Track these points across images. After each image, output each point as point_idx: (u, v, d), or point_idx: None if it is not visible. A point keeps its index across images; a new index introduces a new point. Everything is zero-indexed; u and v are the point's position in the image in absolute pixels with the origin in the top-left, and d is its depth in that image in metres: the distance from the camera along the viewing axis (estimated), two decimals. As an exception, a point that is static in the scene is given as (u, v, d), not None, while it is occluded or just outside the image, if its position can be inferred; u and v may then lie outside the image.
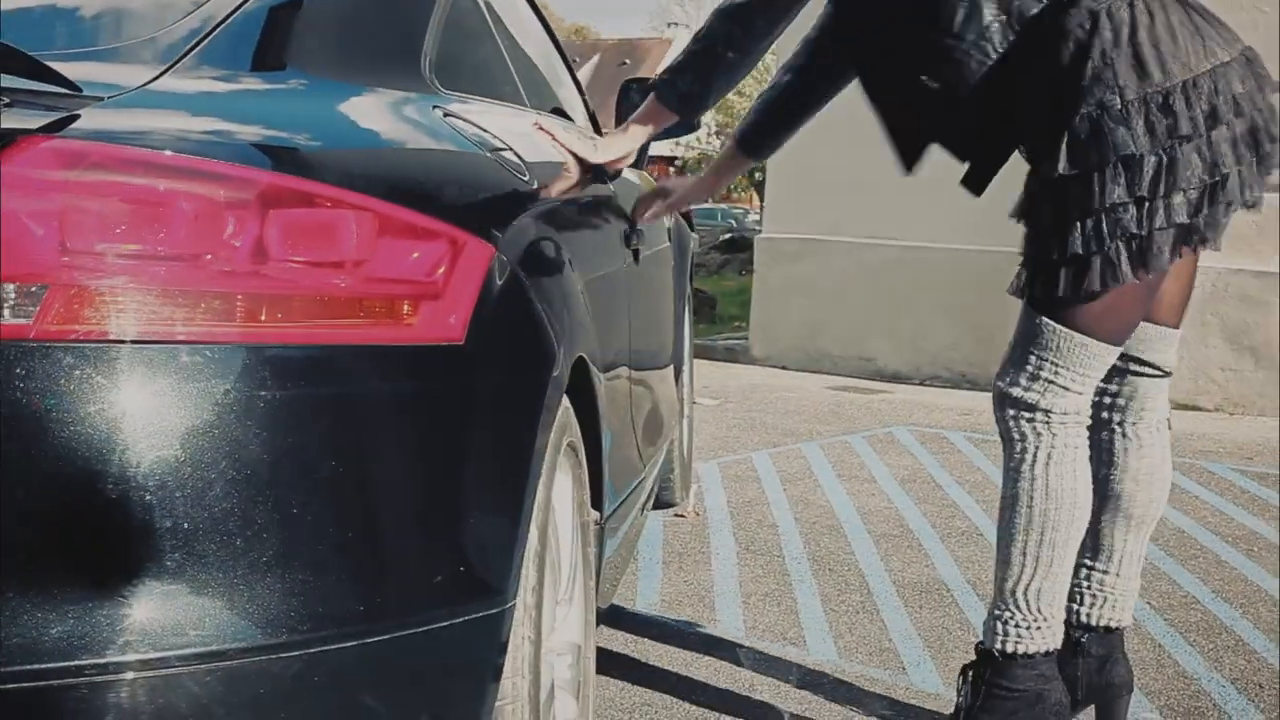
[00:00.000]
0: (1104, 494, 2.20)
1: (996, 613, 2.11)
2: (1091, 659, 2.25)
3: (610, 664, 2.72)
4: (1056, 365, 2.03)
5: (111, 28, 1.63)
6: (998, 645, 2.10)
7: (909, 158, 2.16)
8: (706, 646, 2.81)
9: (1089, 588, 2.27)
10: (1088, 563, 2.26)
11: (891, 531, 3.77)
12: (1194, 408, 5.74)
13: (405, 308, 1.46)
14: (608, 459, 2.16)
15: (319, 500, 1.39)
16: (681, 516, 3.87)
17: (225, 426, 1.36)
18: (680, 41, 53.84)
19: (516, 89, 2.40)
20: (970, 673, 2.15)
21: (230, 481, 1.36)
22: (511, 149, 1.95)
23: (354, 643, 1.39)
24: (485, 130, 1.93)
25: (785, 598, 3.16)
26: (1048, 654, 2.10)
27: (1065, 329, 2.01)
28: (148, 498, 1.33)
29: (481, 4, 2.40)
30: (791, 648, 2.83)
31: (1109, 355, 2.05)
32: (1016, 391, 2.06)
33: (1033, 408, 2.05)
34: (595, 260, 2.22)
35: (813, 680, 2.65)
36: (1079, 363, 2.02)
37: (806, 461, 4.66)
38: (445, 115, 1.83)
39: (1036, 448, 2.05)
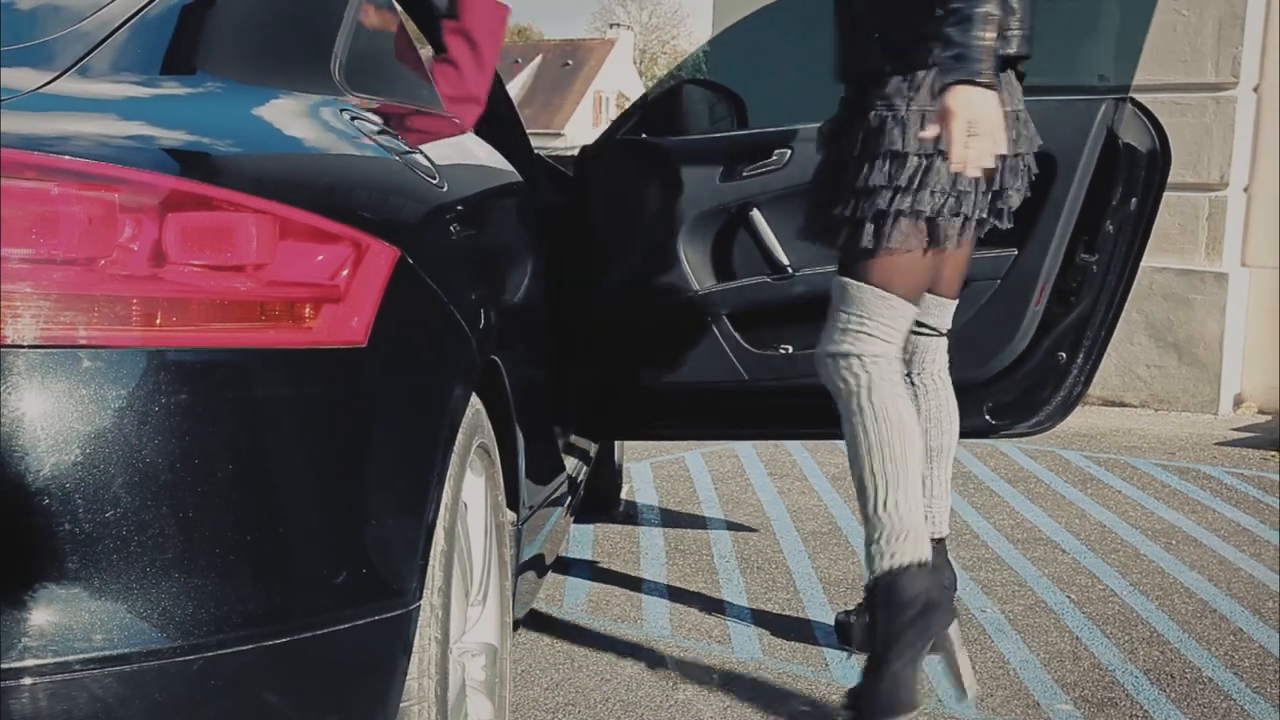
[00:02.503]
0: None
1: (870, 540, 2.34)
2: None
3: (534, 665, 2.73)
4: (863, 317, 2.36)
5: (9, 29, 1.62)
6: (880, 567, 2.32)
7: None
8: (632, 647, 2.83)
9: None
10: None
11: (820, 529, 3.81)
12: (1120, 404, 5.84)
13: (307, 311, 1.47)
14: (524, 460, 2.17)
15: (220, 503, 1.40)
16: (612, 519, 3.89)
17: (125, 431, 1.36)
18: (623, 42, 53.93)
19: (431, 91, 2.41)
20: (862, 614, 2.46)
21: (131, 485, 1.36)
22: (420, 151, 1.95)
23: (255, 645, 1.40)
24: (394, 133, 1.93)
25: (712, 597, 3.19)
26: (923, 564, 2.32)
27: (868, 285, 2.35)
28: (47, 503, 1.33)
29: (396, 6, 2.40)
30: (717, 646, 2.86)
31: (906, 310, 2.38)
32: (832, 347, 2.38)
33: (847, 355, 2.36)
34: (509, 259, 2.23)
35: (736, 679, 2.68)
36: (882, 313, 2.36)
37: (739, 461, 4.69)
38: (353, 118, 1.83)
39: (858, 386, 2.35)
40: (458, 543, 1.70)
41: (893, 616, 2.30)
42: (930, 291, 2.54)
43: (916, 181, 2.31)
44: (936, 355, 2.67)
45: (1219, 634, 2.97)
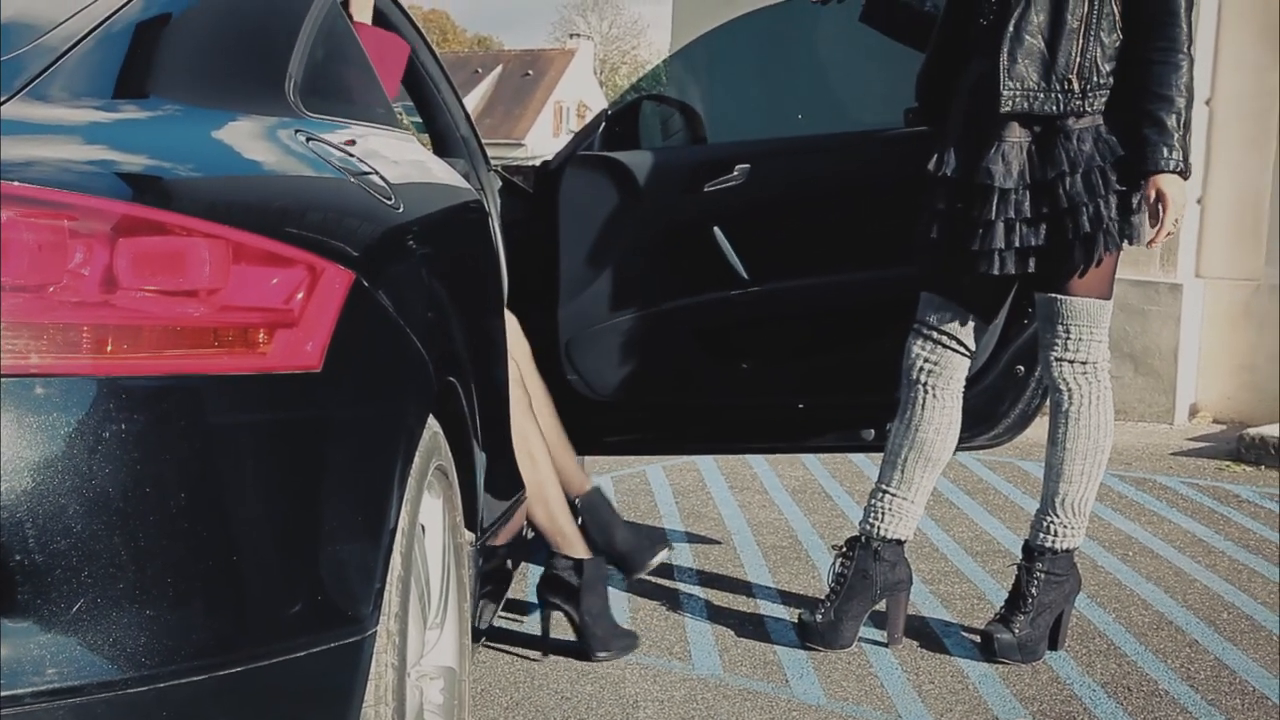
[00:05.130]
0: (912, 440, 2.89)
1: (1062, 523, 2.88)
2: (885, 563, 2.93)
3: (494, 684, 2.71)
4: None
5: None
6: (1061, 546, 2.89)
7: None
8: (591, 664, 2.82)
9: (890, 509, 2.92)
10: (891, 490, 2.93)
11: (781, 543, 3.81)
12: (1078, 415, 5.89)
13: (260, 336, 1.46)
14: (483, 479, 2.16)
15: (173, 532, 1.38)
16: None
17: (76, 459, 1.35)
18: (584, 53, 53.98)
19: (388, 109, 2.40)
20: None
21: (82, 515, 1.35)
22: (377, 172, 1.94)
23: (209, 675, 1.38)
24: (350, 154, 1.92)
25: (673, 612, 3.18)
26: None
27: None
28: (-2, 533, 1.31)
29: (352, 25, 2.39)
30: (677, 663, 2.86)
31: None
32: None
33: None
34: (466, 278, 2.22)
35: (696, 696, 2.68)
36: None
37: (700, 474, 4.69)
38: (309, 140, 1.82)
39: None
40: (415, 566, 1.69)
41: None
42: (971, 313, 2.85)
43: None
44: (957, 372, 2.89)
45: (1175, 646, 3.00)
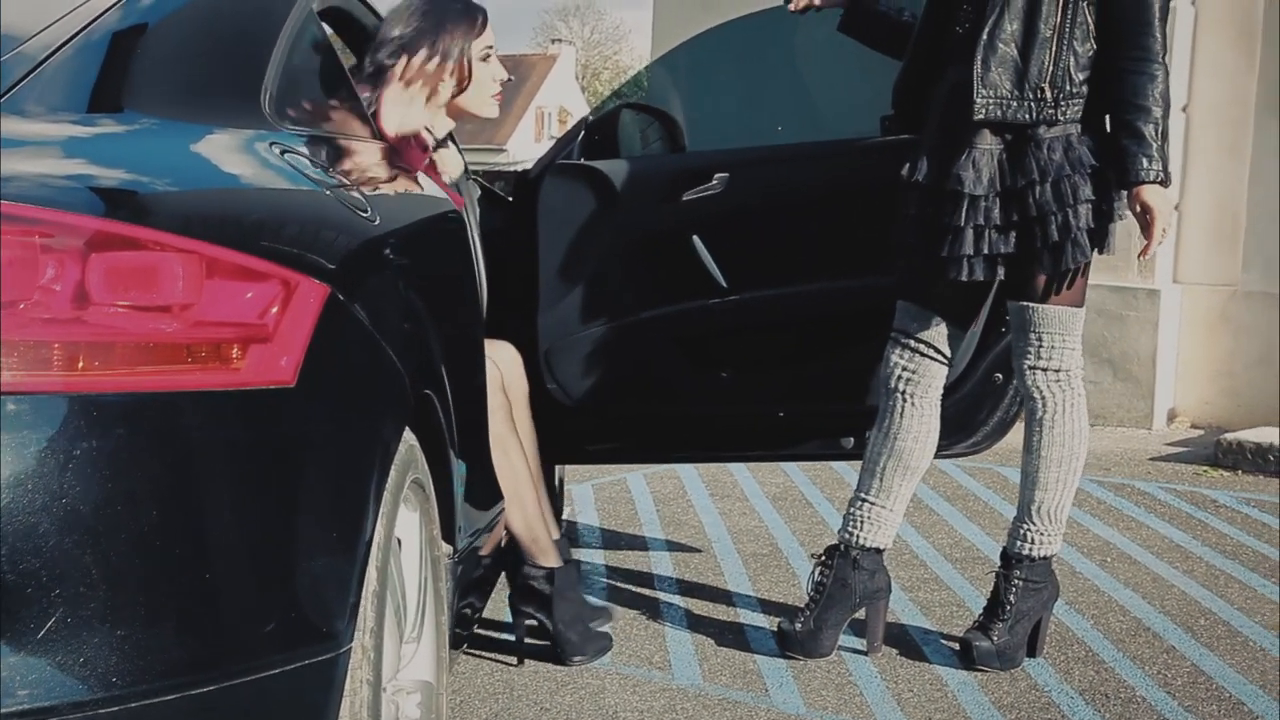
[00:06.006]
0: (891, 448, 2.89)
1: (1038, 530, 2.89)
2: (864, 571, 2.93)
3: (473, 695, 2.71)
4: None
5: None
6: (1039, 553, 2.90)
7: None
8: (571, 674, 2.82)
9: (869, 517, 2.92)
10: (870, 498, 2.92)
11: (761, 551, 3.82)
12: (1057, 420, 5.91)
13: (234, 351, 1.45)
14: (460, 492, 2.16)
15: (146, 550, 1.38)
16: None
17: (48, 477, 1.34)
18: (565, 58, 53.96)
19: (365, 120, 2.39)
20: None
21: (55, 533, 1.34)
22: (353, 183, 1.94)
23: (182, 694, 1.38)
24: (325, 166, 1.92)
25: (653, 621, 3.18)
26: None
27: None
28: (-33, 551, 1.30)
29: (329, 35, 2.38)
30: (657, 672, 2.85)
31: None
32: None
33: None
34: (443, 289, 2.21)
35: (675, 706, 2.67)
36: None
37: (681, 482, 4.69)
38: (284, 152, 1.82)
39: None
40: (391, 581, 1.69)
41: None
42: (948, 321, 2.86)
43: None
44: (936, 380, 2.89)
45: (1152, 652, 3.01)
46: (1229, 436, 5.11)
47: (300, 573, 1.47)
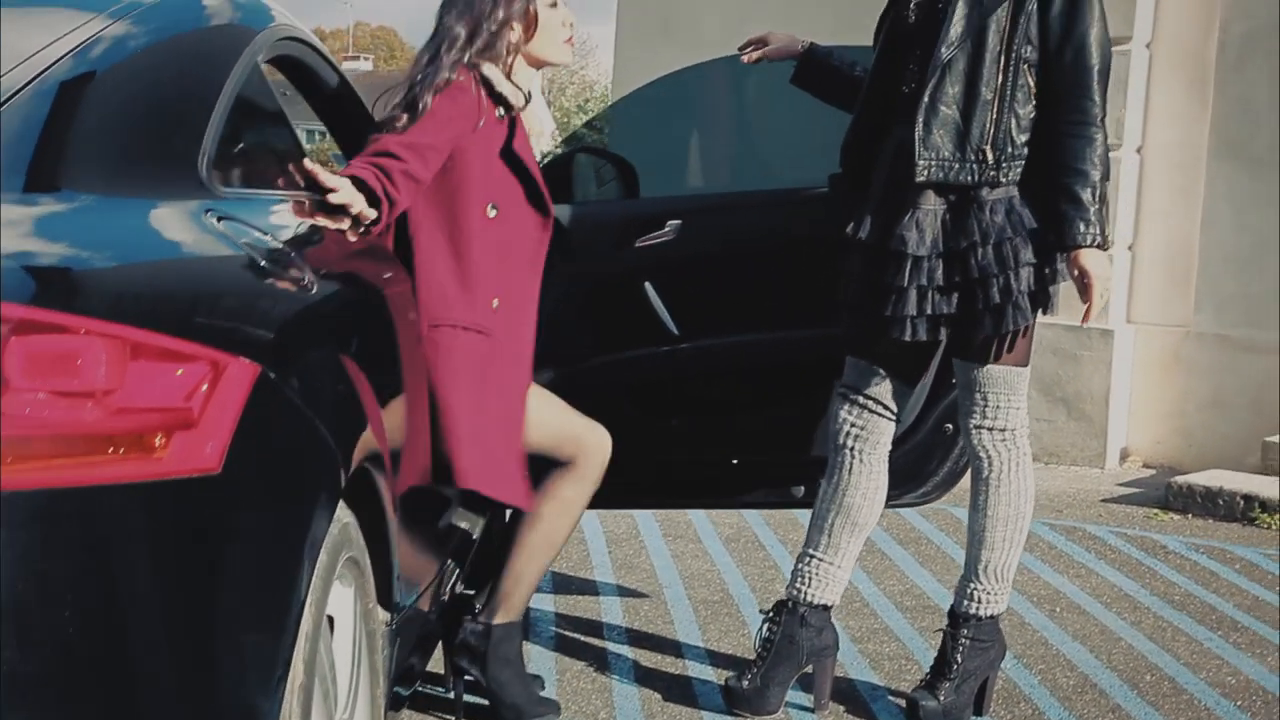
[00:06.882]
0: (839, 505, 2.89)
1: (982, 590, 2.88)
2: (811, 628, 2.92)
3: (414, 755, 2.66)
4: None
5: None
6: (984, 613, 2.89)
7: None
8: (515, 730, 2.78)
9: (816, 574, 2.92)
10: (818, 555, 2.92)
11: (712, 597, 3.79)
12: (1011, 458, 5.93)
13: (158, 440, 1.41)
14: (400, 559, 2.12)
15: (65, 648, 1.34)
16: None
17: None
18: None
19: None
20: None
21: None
22: (291, 246, 1.90)
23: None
24: (263, 229, 1.88)
25: (600, 674, 3.15)
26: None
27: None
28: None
29: (273, 88, 2.34)
30: (601, 729, 2.82)
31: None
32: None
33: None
34: (385, 350, 2.17)
35: (619, 766, 2.64)
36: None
37: (634, 521, 4.66)
38: (220, 218, 1.78)
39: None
40: (320, 668, 1.65)
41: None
42: (895, 377, 2.86)
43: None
44: (884, 437, 2.90)
45: (1098, 711, 3.00)
46: (1179, 480, 5.14)
47: (223, 666, 1.44)
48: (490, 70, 2.58)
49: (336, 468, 1.70)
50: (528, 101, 2.70)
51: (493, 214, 2.60)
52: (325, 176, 2.10)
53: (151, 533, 1.40)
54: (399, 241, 2.57)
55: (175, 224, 1.71)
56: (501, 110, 2.62)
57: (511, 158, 2.63)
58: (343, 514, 1.75)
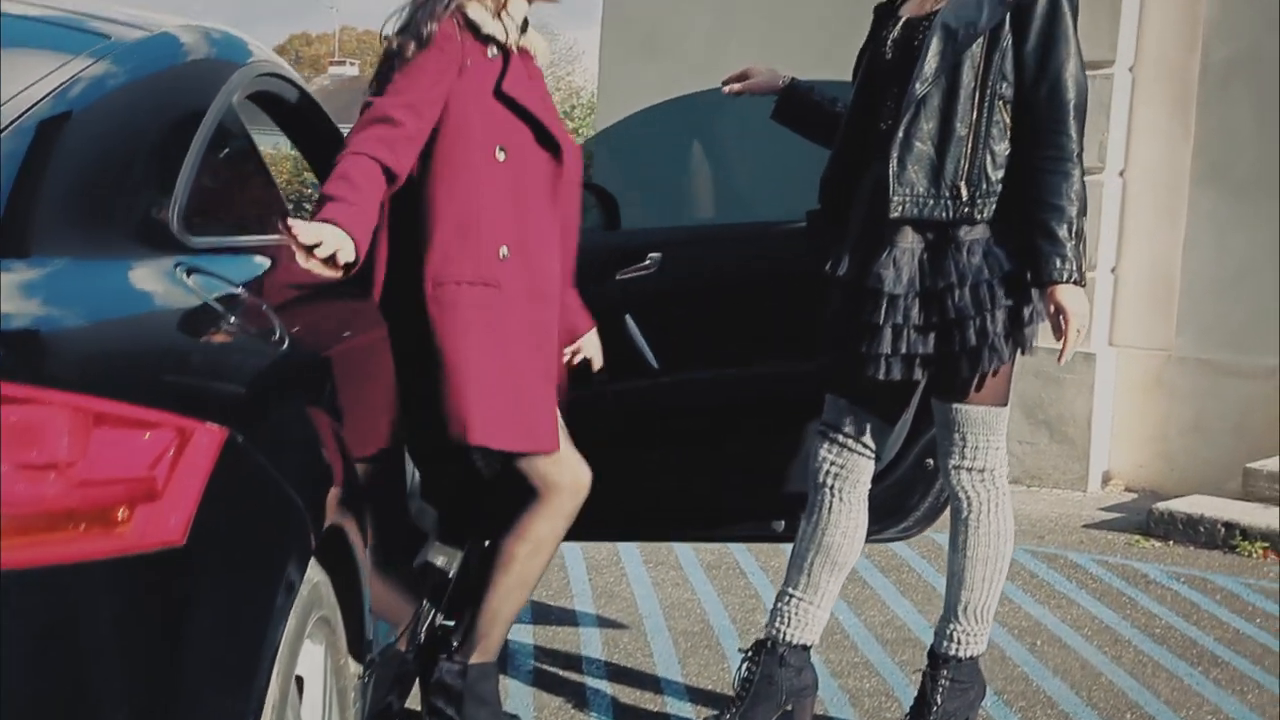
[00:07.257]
0: (819, 544, 2.87)
1: (962, 630, 2.87)
2: (790, 668, 2.89)
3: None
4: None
5: None
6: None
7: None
8: (491, 771, 2.75)
9: (796, 613, 2.90)
10: (797, 594, 2.90)
11: (692, 629, 3.77)
12: (994, 480, 5.92)
13: (120, 514, 1.38)
14: (372, 612, 2.09)
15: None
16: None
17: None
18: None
19: (285, 215, 2.32)
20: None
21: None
22: (263, 299, 1.88)
23: None
24: (234, 282, 1.85)
25: (579, 711, 3.12)
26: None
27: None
28: None
29: (247, 127, 2.31)
30: (579, 770, 2.80)
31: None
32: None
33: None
34: (358, 401, 2.15)
35: (596, 811, 2.62)
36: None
37: (615, 548, 4.64)
38: (190, 272, 1.75)
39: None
40: (287, 736, 1.62)
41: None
42: (875, 416, 2.84)
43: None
44: (864, 475, 2.88)
45: (1078, 751, 2.99)
46: (1161, 506, 5.13)
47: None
48: (476, 12, 2.50)
49: (306, 530, 1.68)
50: (523, 32, 2.59)
51: (502, 157, 2.52)
52: (303, 231, 2.07)
53: (113, 611, 1.37)
54: (397, 200, 2.48)
55: (144, 282, 1.68)
56: (494, 49, 2.52)
57: (508, 96, 2.52)
58: (314, 573, 1.72)
